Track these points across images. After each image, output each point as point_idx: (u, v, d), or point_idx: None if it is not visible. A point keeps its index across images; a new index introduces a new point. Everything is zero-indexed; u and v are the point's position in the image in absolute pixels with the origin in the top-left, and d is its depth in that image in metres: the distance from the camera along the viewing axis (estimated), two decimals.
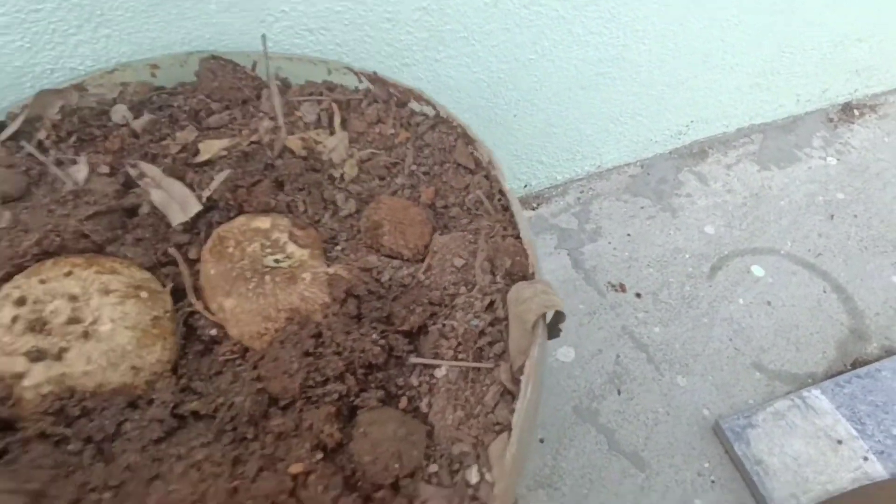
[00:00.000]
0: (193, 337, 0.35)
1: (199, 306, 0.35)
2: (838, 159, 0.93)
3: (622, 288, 0.76)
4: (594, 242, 0.80)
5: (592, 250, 0.79)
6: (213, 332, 0.35)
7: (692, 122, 0.86)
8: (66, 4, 0.40)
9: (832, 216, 0.85)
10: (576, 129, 0.75)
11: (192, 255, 0.38)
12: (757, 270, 0.78)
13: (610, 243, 0.80)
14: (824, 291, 0.77)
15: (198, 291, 0.36)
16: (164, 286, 0.36)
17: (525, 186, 0.81)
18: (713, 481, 0.62)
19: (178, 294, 0.36)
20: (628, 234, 0.81)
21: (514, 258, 0.35)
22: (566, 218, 0.82)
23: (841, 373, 0.69)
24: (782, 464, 0.61)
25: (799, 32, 0.78)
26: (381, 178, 0.42)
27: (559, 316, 0.31)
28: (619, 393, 0.67)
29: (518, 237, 0.36)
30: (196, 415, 0.31)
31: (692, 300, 0.75)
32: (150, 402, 0.31)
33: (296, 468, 0.26)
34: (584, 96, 0.70)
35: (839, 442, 0.63)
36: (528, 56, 0.61)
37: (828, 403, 0.65)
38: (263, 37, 0.42)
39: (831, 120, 0.99)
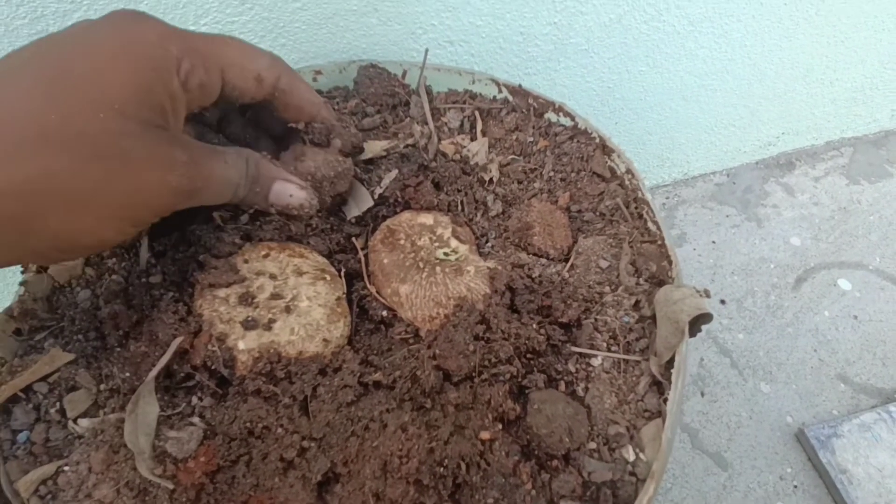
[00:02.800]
0: (365, 317, 0.40)
1: (372, 290, 0.40)
2: None
3: (706, 294, 0.77)
4: (679, 248, 0.83)
5: (677, 256, 0.81)
6: (384, 313, 0.39)
7: (783, 133, 0.87)
8: (257, 17, 0.46)
9: None
10: (670, 137, 0.78)
11: (358, 244, 0.43)
12: (844, 284, 0.79)
13: (695, 249, 0.82)
14: None
15: (369, 277, 0.41)
16: (338, 271, 0.41)
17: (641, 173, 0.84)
18: (795, 486, 0.64)
19: (347, 279, 0.41)
20: (713, 242, 0.83)
21: (658, 263, 0.38)
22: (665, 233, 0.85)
23: None
24: (867, 474, 0.63)
25: None
26: (520, 182, 0.46)
27: (704, 318, 0.35)
28: (702, 395, 0.70)
29: (660, 243, 0.39)
30: (377, 384, 0.36)
31: (777, 310, 0.77)
32: (336, 370, 0.36)
33: (485, 434, 0.31)
34: (683, 107, 0.73)
35: None
36: (639, 68, 0.64)
37: None
38: (426, 51, 0.46)
39: None
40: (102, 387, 0.34)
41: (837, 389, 0.70)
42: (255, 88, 0.32)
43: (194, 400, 0.35)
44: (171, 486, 0.31)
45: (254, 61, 0.31)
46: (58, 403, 0.33)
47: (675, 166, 0.85)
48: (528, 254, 0.41)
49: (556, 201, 0.45)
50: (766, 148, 0.89)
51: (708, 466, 0.65)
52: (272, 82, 0.32)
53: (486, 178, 0.45)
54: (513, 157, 0.47)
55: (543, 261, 0.41)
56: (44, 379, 0.34)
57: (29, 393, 0.34)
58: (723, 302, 0.77)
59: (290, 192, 0.36)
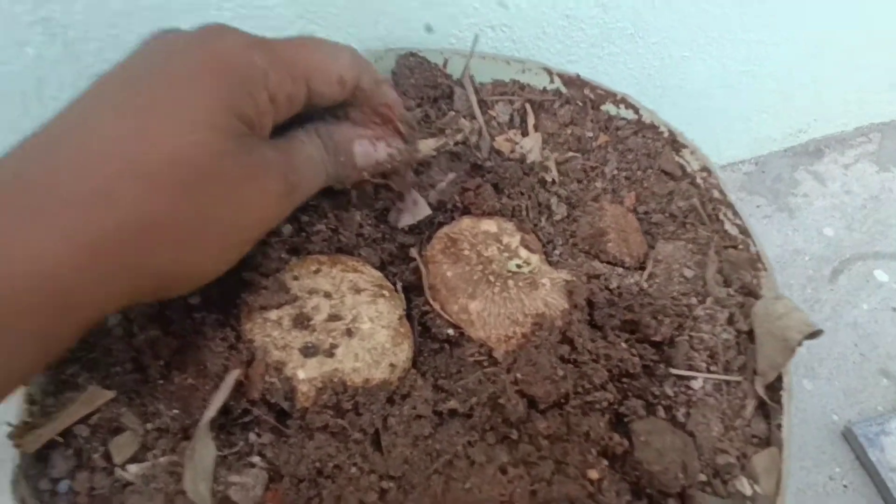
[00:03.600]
0: (427, 336, 0.36)
1: (436, 307, 0.36)
2: None
3: None
4: None
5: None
6: (450, 332, 0.36)
7: (814, 119, 0.84)
8: (286, 1, 0.41)
9: None
10: (706, 126, 0.75)
11: (411, 253, 0.39)
12: (880, 275, 0.77)
13: None
14: None
15: (429, 291, 0.37)
16: (393, 286, 0.37)
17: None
18: (845, 486, 0.62)
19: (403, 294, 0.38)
20: None
21: (749, 271, 0.35)
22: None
23: None
24: None
25: None
26: (579, 182, 0.43)
27: (816, 334, 0.32)
28: None
29: (749, 249, 0.36)
30: (452, 413, 0.33)
31: (814, 303, 0.74)
32: (404, 397, 0.33)
33: (593, 474, 0.28)
34: (721, 94, 0.70)
35: None
36: (682, 53, 0.61)
37: None
38: (475, 37, 0.42)
39: None
40: (149, 426, 0.30)
41: (881, 385, 0.69)
42: (339, 92, 0.29)
43: (252, 437, 0.32)
44: None
45: (335, 63, 0.29)
46: (101, 448, 0.30)
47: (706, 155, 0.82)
48: (602, 262, 0.38)
49: (622, 202, 0.42)
50: (797, 135, 0.86)
51: None
52: (353, 83, 0.30)
53: (548, 179, 0.41)
54: (570, 153, 0.44)
55: (619, 270, 0.37)
56: (84, 420, 0.30)
57: (68, 437, 0.30)
58: None
59: (372, 147, 0.33)
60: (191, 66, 0.24)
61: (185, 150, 0.23)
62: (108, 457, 0.29)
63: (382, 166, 0.33)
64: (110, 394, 0.30)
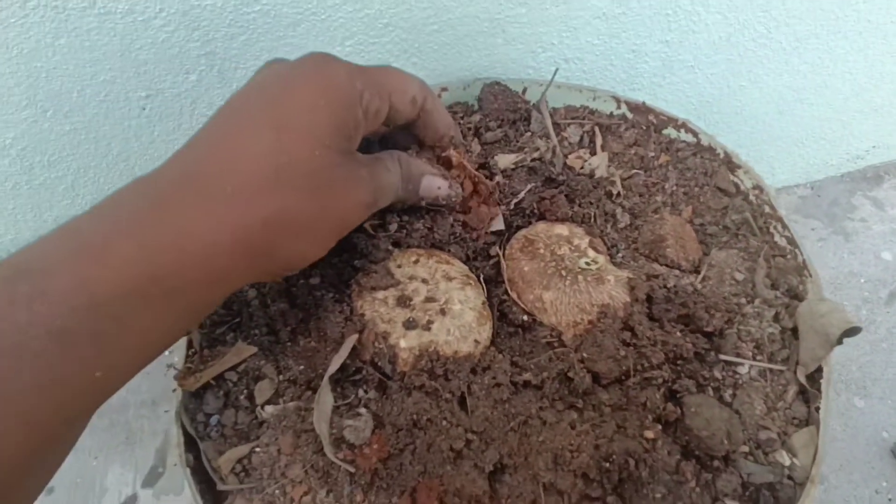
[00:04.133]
0: (504, 321, 0.42)
1: (514, 296, 0.42)
2: None
3: None
4: None
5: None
6: (524, 318, 0.42)
7: (873, 147, 0.86)
8: (396, 39, 0.49)
9: None
10: (760, 150, 0.78)
11: (492, 252, 0.45)
12: None
13: None
14: None
15: (508, 284, 0.43)
16: (477, 278, 0.44)
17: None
18: (890, 499, 0.63)
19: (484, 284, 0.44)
20: None
21: (796, 276, 0.40)
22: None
23: None
24: None
25: None
26: (641, 196, 0.48)
27: (852, 331, 0.36)
28: None
29: (797, 258, 0.41)
30: (526, 384, 0.38)
31: (869, 325, 0.76)
32: (485, 369, 0.39)
33: (649, 433, 0.33)
34: (777, 120, 0.73)
35: None
36: (739, 83, 0.65)
37: None
38: (556, 70, 0.49)
39: None
40: (282, 377, 0.38)
41: None
42: (411, 110, 0.36)
43: (361, 392, 0.38)
44: (352, 470, 0.34)
45: (409, 86, 0.35)
46: (245, 391, 0.37)
47: None
48: (661, 265, 0.43)
49: (680, 214, 0.47)
50: (854, 161, 0.88)
51: None
52: (421, 104, 0.36)
53: (614, 192, 0.47)
54: (634, 171, 0.49)
55: (676, 272, 0.43)
56: (233, 368, 0.37)
57: (219, 381, 0.37)
58: None
59: (437, 184, 0.39)
60: (311, 91, 0.29)
61: (312, 163, 0.28)
62: (250, 398, 0.37)
63: (438, 201, 0.41)
64: (253, 349, 0.38)
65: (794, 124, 0.75)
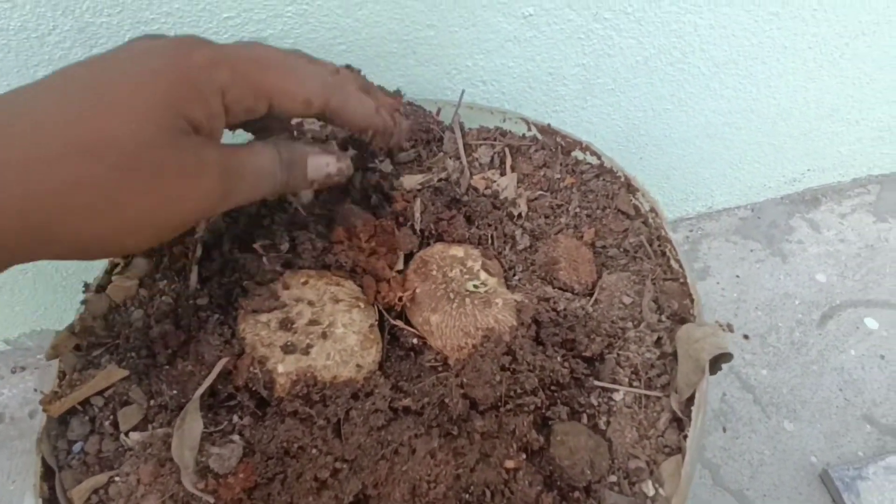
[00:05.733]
0: (396, 344, 0.42)
1: (399, 323, 0.42)
2: None
3: (730, 328, 0.78)
4: (702, 281, 0.83)
5: (701, 289, 0.82)
6: (414, 341, 0.41)
7: (808, 170, 0.88)
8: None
9: None
10: (694, 172, 0.79)
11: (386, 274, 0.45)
12: (870, 323, 0.79)
13: (718, 283, 0.83)
14: None
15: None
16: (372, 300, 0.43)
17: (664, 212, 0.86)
18: None
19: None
20: (737, 276, 0.84)
21: (679, 300, 0.39)
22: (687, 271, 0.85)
23: None
24: None
25: None
26: (546, 217, 0.48)
27: (724, 356, 0.36)
28: (724, 430, 0.70)
29: (682, 281, 0.41)
30: (406, 410, 0.38)
31: (801, 346, 0.76)
32: (368, 394, 0.38)
33: (510, 463, 0.32)
34: (708, 143, 0.74)
35: None
36: (664, 106, 0.66)
37: None
38: (462, 92, 0.49)
39: None
40: (152, 402, 0.37)
41: (863, 430, 0.70)
42: (303, 111, 0.32)
43: (235, 418, 0.37)
44: (211, 501, 0.33)
45: (303, 88, 0.32)
46: (111, 416, 0.36)
47: (699, 200, 0.86)
48: (554, 287, 0.43)
49: (582, 236, 0.47)
50: (792, 184, 0.89)
51: None
52: (321, 105, 0.32)
53: (515, 213, 0.47)
54: (540, 192, 0.49)
55: (568, 295, 0.42)
56: (100, 393, 0.36)
57: (86, 406, 0.36)
58: (746, 337, 0.78)
59: (324, 161, 0.36)
60: (150, 71, 0.26)
61: (121, 135, 0.25)
62: (116, 425, 0.36)
63: (331, 179, 0.37)
64: (124, 372, 0.37)
65: (725, 147, 0.76)
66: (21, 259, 0.27)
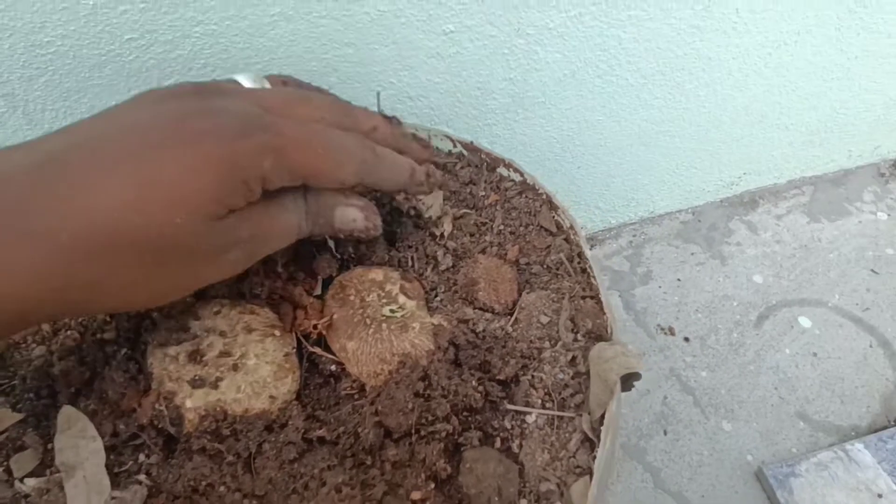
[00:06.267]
0: (315, 370, 0.41)
1: (317, 350, 0.41)
2: (889, 214, 0.95)
3: (671, 331, 0.79)
4: (645, 285, 0.85)
5: (643, 293, 0.83)
6: (333, 367, 0.41)
7: (744, 174, 0.90)
8: (218, 79, 0.48)
9: (881, 271, 0.87)
10: (633, 179, 0.80)
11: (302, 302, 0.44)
12: (804, 321, 0.81)
13: (660, 287, 0.84)
14: (871, 346, 0.79)
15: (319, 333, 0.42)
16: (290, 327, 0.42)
17: (581, 229, 0.87)
18: None
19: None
20: (678, 279, 0.85)
21: (594, 320, 0.40)
22: (619, 260, 0.87)
23: (884, 427, 0.71)
24: None
25: (853, 96, 0.82)
26: (472, 235, 0.48)
27: (634, 376, 0.36)
28: (665, 433, 0.71)
29: (598, 299, 0.41)
30: (321, 440, 0.37)
31: (739, 347, 0.78)
32: (283, 426, 0.37)
33: (416, 495, 0.32)
34: (643, 151, 0.75)
35: (879, 496, 0.65)
36: (596, 118, 0.67)
37: (870, 458, 0.68)
38: (378, 93, 0.48)
39: (882, 175, 1.01)
40: (49, 446, 0.35)
41: (797, 427, 0.72)
42: (338, 186, 0.34)
43: (141, 457, 0.36)
44: None
45: (339, 171, 0.32)
46: (5, 463, 0.34)
47: (640, 205, 0.87)
48: (474, 308, 0.43)
49: (506, 255, 0.47)
50: (730, 187, 0.92)
51: None
52: (353, 184, 0.34)
53: (438, 233, 0.47)
54: (465, 210, 0.49)
55: (488, 315, 0.42)
56: None
57: None
58: (687, 339, 0.79)
59: (351, 216, 0.36)
60: (202, 159, 0.26)
61: (168, 229, 0.26)
62: (9, 471, 0.34)
63: (355, 234, 0.37)
64: (18, 416, 0.35)
65: (661, 155, 0.77)
66: (41, 321, 0.31)
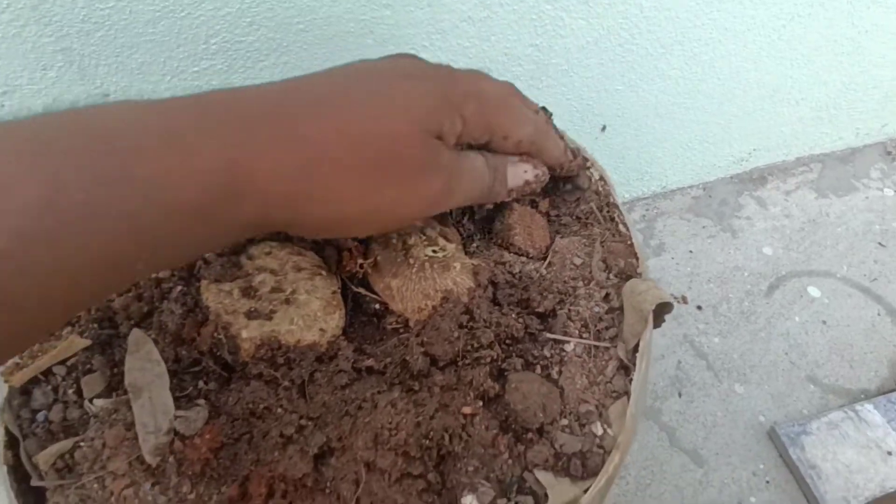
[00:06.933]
0: (359, 310, 0.43)
1: (363, 289, 0.43)
2: (895, 191, 0.97)
3: (684, 300, 0.82)
4: (658, 257, 0.87)
5: (656, 264, 0.86)
6: (377, 306, 0.43)
7: (755, 149, 0.92)
8: (262, 38, 0.49)
9: (888, 244, 0.90)
10: (648, 152, 0.82)
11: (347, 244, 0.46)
12: (813, 291, 0.83)
13: (673, 258, 0.86)
14: (878, 314, 0.81)
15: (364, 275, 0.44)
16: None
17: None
18: (767, 482, 0.67)
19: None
20: (690, 251, 0.87)
21: (626, 259, 0.42)
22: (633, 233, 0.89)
23: (893, 390, 0.73)
24: (835, 469, 0.66)
25: (863, 72, 0.84)
26: None
27: (666, 307, 0.38)
28: (679, 395, 0.73)
29: (628, 242, 0.43)
30: (370, 370, 0.39)
31: (750, 315, 0.80)
32: (332, 357, 0.39)
33: (466, 409, 0.34)
34: (659, 124, 0.77)
35: (889, 453, 0.67)
36: (615, 87, 0.69)
37: (880, 417, 0.70)
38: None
39: (889, 153, 1.03)
40: (115, 370, 0.37)
41: (807, 390, 0.74)
42: (513, 149, 0.37)
43: (200, 383, 0.38)
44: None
45: (520, 131, 0.36)
46: (75, 385, 0.36)
47: (653, 180, 0.89)
48: (510, 252, 0.45)
49: (537, 206, 0.49)
50: (740, 163, 0.94)
51: (685, 463, 0.68)
52: (527, 147, 0.37)
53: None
54: None
55: (524, 259, 0.44)
56: (62, 363, 0.37)
57: (48, 375, 0.37)
58: (699, 308, 0.81)
59: (523, 169, 0.39)
60: (423, 90, 0.31)
61: (393, 129, 0.30)
62: (79, 393, 0.36)
63: (529, 187, 0.40)
64: (86, 342, 0.37)
65: (675, 127, 0.79)
66: (257, 231, 0.33)
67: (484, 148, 0.37)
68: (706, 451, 0.69)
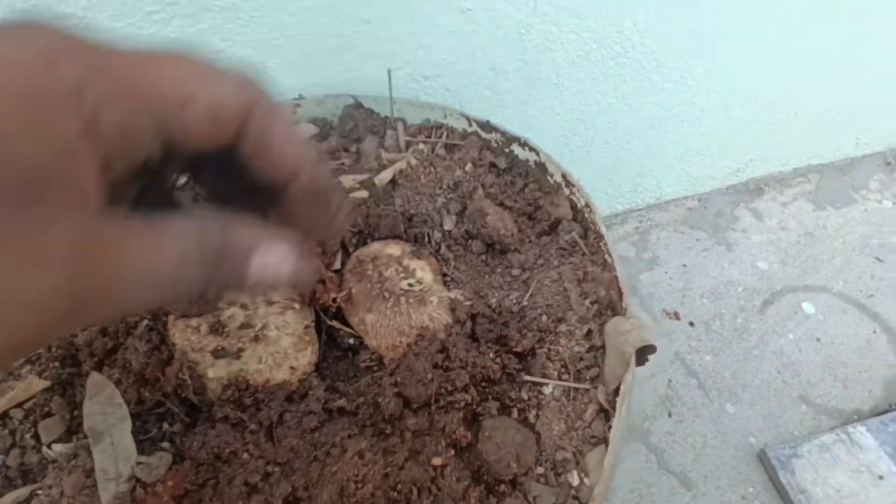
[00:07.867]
0: (333, 344, 0.42)
1: (335, 323, 0.41)
2: (894, 202, 0.96)
3: (676, 316, 0.80)
4: (651, 271, 0.85)
5: (649, 278, 0.84)
6: (351, 340, 0.41)
7: (751, 160, 0.90)
8: (238, 54, 0.48)
9: (885, 259, 0.88)
10: (641, 164, 0.81)
11: (323, 275, 0.44)
12: (808, 307, 0.82)
13: (666, 272, 0.85)
14: (874, 332, 0.80)
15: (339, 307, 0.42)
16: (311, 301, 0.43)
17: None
18: None
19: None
20: (684, 265, 0.86)
21: (609, 294, 0.40)
22: (625, 246, 0.87)
23: (886, 412, 0.72)
24: (825, 494, 0.65)
25: (863, 83, 0.82)
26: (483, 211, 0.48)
27: (649, 349, 0.37)
28: (669, 415, 0.72)
29: (614, 275, 0.42)
30: (341, 410, 0.38)
31: (743, 332, 0.79)
32: (303, 396, 0.38)
33: (437, 461, 0.33)
34: (652, 136, 0.76)
35: (880, 477, 0.66)
36: (607, 100, 0.67)
37: (872, 440, 0.69)
38: (389, 71, 0.48)
39: (889, 163, 1.01)
40: (76, 413, 0.36)
41: (799, 410, 0.73)
42: (212, 128, 0.19)
43: (165, 426, 0.36)
44: None
45: (205, 84, 0.18)
46: (32, 429, 0.35)
47: (647, 191, 0.88)
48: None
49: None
50: (736, 174, 0.92)
51: (673, 486, 0.67)
52: (238, 117, 0.19)
53: (448, 208, 0.47)
54: (475, 185, 0.49)
55: (504, 289, 0.43)
56: (20, 405, 0.35)
57: (5, 419, 0.35)
58: (692, 324, 0.80)
59: (278, 260, 0.20)
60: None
61: None
62: (37, 437, 0.35)
63: (280, 284, 0.21)
64: (45, 383, 0.36)
65: (669, 140, 0.78)
66: None
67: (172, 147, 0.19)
68: (695, 474, 0.68)
